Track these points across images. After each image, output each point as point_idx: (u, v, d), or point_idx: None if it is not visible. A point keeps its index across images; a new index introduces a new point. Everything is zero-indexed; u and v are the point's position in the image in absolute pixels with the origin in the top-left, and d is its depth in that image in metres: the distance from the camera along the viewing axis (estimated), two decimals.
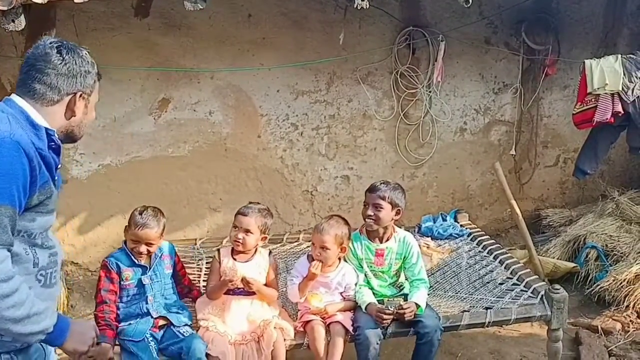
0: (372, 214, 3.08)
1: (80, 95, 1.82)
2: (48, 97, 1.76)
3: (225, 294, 2.92)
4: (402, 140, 5.02)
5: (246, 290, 2.91)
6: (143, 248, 2.79)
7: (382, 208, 3.06)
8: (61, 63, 1.76)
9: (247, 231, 2.90)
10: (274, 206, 4.77)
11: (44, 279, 1.77)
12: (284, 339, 2.84)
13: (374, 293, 3.09)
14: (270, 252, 3.13)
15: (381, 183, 3.17)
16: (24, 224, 1.68)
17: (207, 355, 2.70)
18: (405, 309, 2.90)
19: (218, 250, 3.09)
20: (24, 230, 1.69)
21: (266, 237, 3.04)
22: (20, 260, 1.68)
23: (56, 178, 1.80)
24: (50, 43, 1.79)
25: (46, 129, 1.73)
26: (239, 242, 2.91)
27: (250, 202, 3.06)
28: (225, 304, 2.92)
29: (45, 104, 1.76)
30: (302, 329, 2.95)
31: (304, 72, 4.63)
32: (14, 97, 1.75)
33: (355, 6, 3.37)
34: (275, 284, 3.06)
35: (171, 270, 2.95)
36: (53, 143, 1.74)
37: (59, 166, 1.81)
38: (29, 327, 1.60)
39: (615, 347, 3.71)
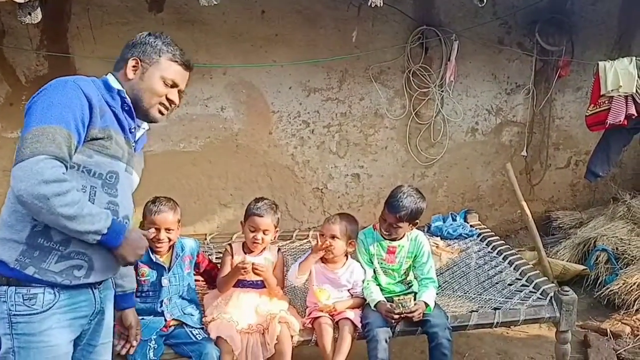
0: (390, 231, 3.06)
1: (136, 61, 2.06)
2: (118, 65, 2.10)
3: (234, 286, 2.93)
4: (413, 139, 5.01)
5: (255, 279, 2.92)
6: (163, 235, 2.76)
7: (399, 227, 3.03)
8: (132, 40, 2.11)
9: (265, 231, 2.95)
10: (284, 203, 4.78)
11: None
12: (291, 335, 2.84)
13: (381, 289, 3.08)
14: (279, 249, 3.14)
15: (405, 196, 3.00)
16: (82, 158, 1.89)
17: (217, 338, 2.72)
18: (414, 310, 2.89)
19: (230, 244, 3.11)
20: (83, 165, 1.89)
21: (277, 230, 3.06)
22: None
23: (130, 137, 2.06)
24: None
25: (118, 90, 2.02)
26: (258, 242, 2.95)
27: (257, 199, 3.04)
28: (233, 296, 2.92)
29: (117, 70, 2.09)
30: (310, 326, 2.95)
31: (316, 70, 4.64)
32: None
33: (369, 4, 3.34)
34: (281, 280, 3.06)
35: (191, 270, 2.95)
36: (126, 105, 2.03)
37: (133, 128, 2.08)
38: (82, 226, 1.79)
39: (624, 350, 3.69)
